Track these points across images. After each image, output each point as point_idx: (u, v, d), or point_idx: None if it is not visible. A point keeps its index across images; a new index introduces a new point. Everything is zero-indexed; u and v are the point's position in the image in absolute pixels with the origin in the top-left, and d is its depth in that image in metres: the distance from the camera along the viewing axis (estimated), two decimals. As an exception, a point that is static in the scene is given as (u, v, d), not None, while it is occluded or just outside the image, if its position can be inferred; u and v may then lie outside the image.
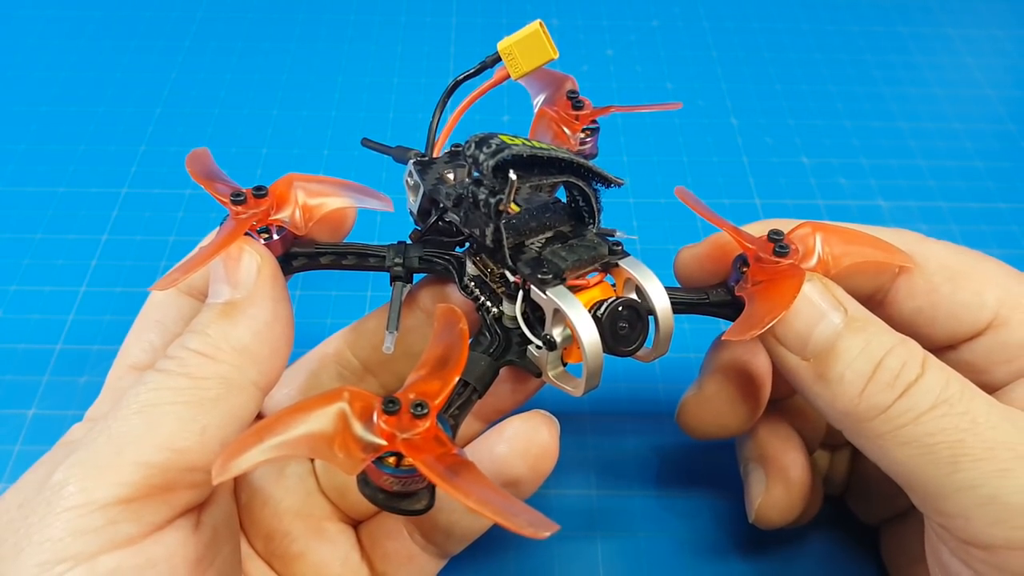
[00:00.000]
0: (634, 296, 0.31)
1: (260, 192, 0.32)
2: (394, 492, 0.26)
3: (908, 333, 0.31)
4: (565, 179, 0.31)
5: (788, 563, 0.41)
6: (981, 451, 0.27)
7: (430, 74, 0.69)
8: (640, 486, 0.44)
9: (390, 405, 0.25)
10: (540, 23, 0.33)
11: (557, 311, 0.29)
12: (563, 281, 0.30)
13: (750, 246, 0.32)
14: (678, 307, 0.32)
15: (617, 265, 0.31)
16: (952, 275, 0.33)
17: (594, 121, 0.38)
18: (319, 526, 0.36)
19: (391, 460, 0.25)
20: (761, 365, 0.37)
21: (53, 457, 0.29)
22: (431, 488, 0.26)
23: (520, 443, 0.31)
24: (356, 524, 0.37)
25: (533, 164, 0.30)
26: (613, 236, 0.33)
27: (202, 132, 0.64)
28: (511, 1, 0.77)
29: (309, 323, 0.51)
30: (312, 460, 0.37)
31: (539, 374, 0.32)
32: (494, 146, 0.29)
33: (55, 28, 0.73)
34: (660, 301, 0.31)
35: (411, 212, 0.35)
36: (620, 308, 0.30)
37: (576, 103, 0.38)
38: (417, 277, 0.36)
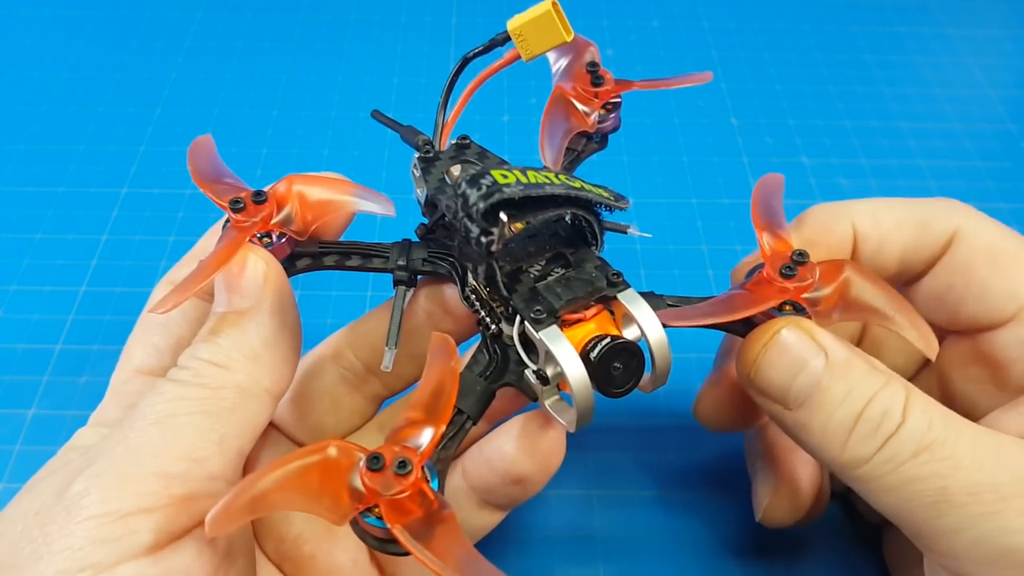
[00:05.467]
0: (634, 329, 0.30)
1: (259, 198, 0.32)
2: (382, 538, 0.27)
3: (932, 308, 0.30)
4: (563, 211, 0.30)
5: (790, 566, 0.41)
6: (964, 496, 0.27)
7: (430, 74, 0.69)
8: (640, 486, 0.44)
9: (374, 462, 0.25)
10: (553, 2, 0.30)
11: (548, 352, 0.29)
12: (557, 320, 0.29)
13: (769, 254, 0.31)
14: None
15: (615, 298, 0.30)
16: (993, 257, 0.32)
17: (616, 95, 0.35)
18: (330, 528, 0.35)
19: (377, 512, 0.26)
20: None
21: (67, 464, 0.29)
22: None
23: (528, 441, 0.31)
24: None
25: (526, 204, 0.28)
26: (626, 232, 0.32)
27: (202, 132, 0.62)
28: (512, 1, 0.77)
29: (309, 323, 0.50)
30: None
31: (535, 398, 0.31)
32: (484, 188, 0.27)
33: (55, 28, 0.73)
34: (655, 336, 0.30)
35: (418, 200, 0.35)
36: (613, 350, 0.29)
37: (596, 78, 0.35)
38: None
